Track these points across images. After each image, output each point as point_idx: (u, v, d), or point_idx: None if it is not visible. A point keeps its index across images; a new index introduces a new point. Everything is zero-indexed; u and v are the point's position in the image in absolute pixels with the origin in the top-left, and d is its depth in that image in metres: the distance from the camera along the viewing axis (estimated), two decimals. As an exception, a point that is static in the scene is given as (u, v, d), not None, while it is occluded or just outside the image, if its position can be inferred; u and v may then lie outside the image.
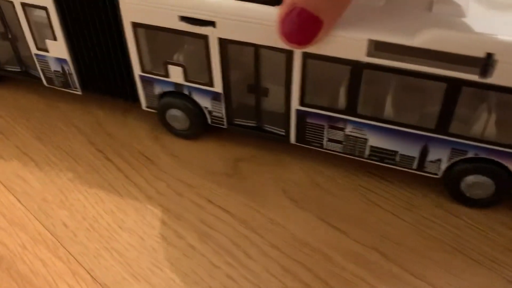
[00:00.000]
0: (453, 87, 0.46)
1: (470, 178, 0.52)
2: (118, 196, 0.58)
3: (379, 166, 0.57)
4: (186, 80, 0.58)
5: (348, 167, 0.60)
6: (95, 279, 0.50)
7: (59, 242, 0.53)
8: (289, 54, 0.50)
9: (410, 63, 0.46)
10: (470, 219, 0.54)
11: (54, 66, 0.66)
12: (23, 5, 0.61)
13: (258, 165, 0.61)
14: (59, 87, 0.68)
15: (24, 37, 0.65)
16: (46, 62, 0.66)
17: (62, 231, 0.54)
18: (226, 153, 0.63)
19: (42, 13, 0.60)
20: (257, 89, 0.56)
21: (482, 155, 0.50)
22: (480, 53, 0.43)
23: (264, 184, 0.59)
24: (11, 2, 0.61)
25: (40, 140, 0.66)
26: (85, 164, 0.62)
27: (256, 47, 0.52)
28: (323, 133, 0.55)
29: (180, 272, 0.50)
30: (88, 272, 0.50)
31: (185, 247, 0.52)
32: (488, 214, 0.54)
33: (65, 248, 0.53)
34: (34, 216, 0.56)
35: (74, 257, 0.52)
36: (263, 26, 0.49)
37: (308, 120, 0.55)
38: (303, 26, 0.45)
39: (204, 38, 0.53)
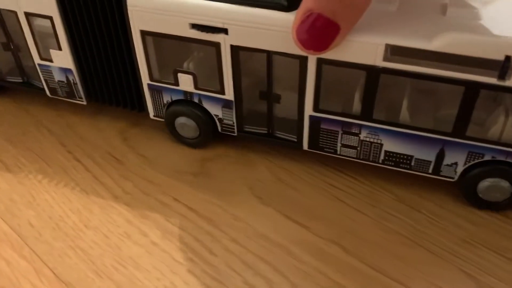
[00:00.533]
0: (472, 90, 0.46)
1: (487, 181, 0.52)
2: (85, 196, 0.58)
3: (344, 163, 0.58)
4: (196, 88, 0.58)
5: (313, 164, 0.61)
6: (58, 277, 0.50)
7: (24, 241, 0.54)
8: (303, 60, 0.50)
9: (427, 67, 0.46)
10: (430, 213, 0.55)
11: (58, 76, 0.65)
12: (27, 14, 0.60)
13: (225, 164, 0.62)
14: (63, 97, 0.67)
15: (27, 47, 0.64)
16: (49, 72, 0.65)
17: (27, 231, 0.55)
18: (194, 153, 0.63)
19: (47, 22, 0.60)
20: (269, 96, 0.55)
21: (500, 157, 0.50)
22: (499, 56, 0.43)
23: (230, 182, 0.59)
24: (14, 12, 0.60)
25: (10, 142, 0.66)
26: (54, 165, 0.63)
27: (269, 54, 0.51)
28: (337, 139, 0.55)
29: (143, 268, 0.50)
30: (52, 271, 0.51)
31: (148, 245, 0.53)
32: (448, 208, 0.55)
33: (30, 248, 0.53)
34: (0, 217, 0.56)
35: (38, 256, 0.52)
36: (276, 32, 0.49)
37: (322, 126, 0.55)
38: (320, 32, 0.44)
39: (216, 45, 0.52)
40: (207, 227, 0.54)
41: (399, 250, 0.51)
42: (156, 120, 0.64)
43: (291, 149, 0.60)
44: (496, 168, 0.50)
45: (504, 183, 0.51)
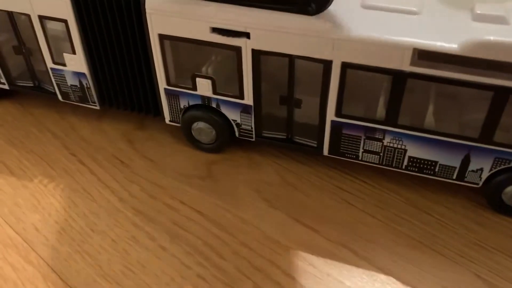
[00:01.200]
0: (500, 96, 0.45)
1: None
2: (91, 200, 0.58)
3: (352, 166, 0.58)
4: (215, 93, 0.57)
5: (321, 167, 0.60)
6: (65, 282, 0.50)
7: (30, 246, 0.53)
8: (327, 65, 0.49)
9: (455, 71, 0.45)
10: (441, 216, 0.54)
11: (71, 81, 0.64)
12: (41, 17, 0.59)
13: (231, 167, 0.61)
14: (75, 102, 0.66)
15: (39, 51, 0.62)
16: (62, 77, 0.64)
17: (33, 235, 0.54)
18: (200, 156, 0.63)
19: (61, 26, 0.58)
20: (290, 101, 0.54)
21: None
22: None
23: (237, 186, 0.59)
24: (28, 15, 0.59)
25: (13, 145, 0.65)
26: (58, 168, 0.62)
27: (291, 58, 0.51)
28: (359, 144, 0.54)
29: (151, 273, 0.50)
30: (58, 276, 0.50)
31: (156, 249, 0.52)
32: (459, 211, 0.55)
33: (36, 252, 0.52)
34: (4, 221, 0.55)
35: (45, 261, 0.51)
36: (300, 37, 0.48)
37: (344, 131, 0.54)
38: None
39: (237, 49, 0.51)
40: (216, 231, 0.53)
41: (411, 254, 0.51)
42: (160, 123, 0.64)
43: (296, 151, 0.60)
44: None
45: None
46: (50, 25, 0.60)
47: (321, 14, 0.48)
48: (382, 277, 0.49)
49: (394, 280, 0.48)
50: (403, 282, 0.48)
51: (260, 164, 0.61)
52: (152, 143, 0.65)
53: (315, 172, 0.60)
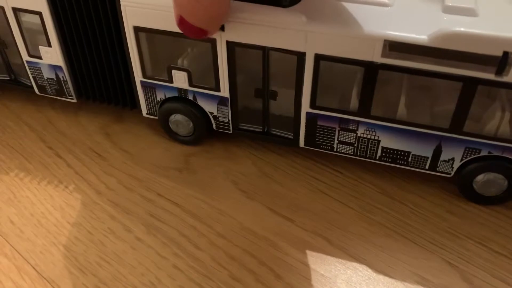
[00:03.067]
0: (469, 86, 0.46)
1: (483, 176, 0.52)
2: (68, 192, 0.57)
3: (328, 157, 0.59)
4: (191, 85, 0.57)
5: (296, 158, 0.61)
6: (41, 274, 0.49)
7: (4, 239, 0.53)
8: (301, 57, 0.49)
9: (426, 63, 0.46)
10: (413, 205, 0.55)
11: (47, 74, 0.63)
12: (15, 10, 0.58)
13: (208, 159, 0.61)
14: (52, 95, 0.66)
15: (15, 44, 0.62)
16: (38, 70, 0.63)
17: (8, 228, 0.54)
18: (177, 148, 0.63)
19: (36, 18, 0.58)
20: (265, 93, 0.55)
21: (496, 153, 0.50)
22: (497, 52, 0.43)
23: (214, 177, 0.59)
24: (1, 7, 0.59)
25: (-11, 139, 0.65)
26: (35, 161, 0.62)
27: (265, 50, 0.51)
28: (334, 136, 0.55)
29: (127, 264, 0.50)
30: (34, 268, 0.50)
31: (132, 240, 0.52)
32: (431, 200, 0.56)
33: (11, 245, 0.52)
34: (-21, 214, 0.55)
35: (20, 254, 0.51)
36: (273, 29, 0.49)
37: (319, 123, 0.54)
38: (190, 32, 0.47)
39: (212, 41, 0.52)
40: (192, 222, 0.54)
41: (383, 242, 0.51)
42: (138, 115, 0.64)
43: (271, 144, 0.60)
44: (492, 163, 0.51)
45: (500, 178, 0.52)
46: (25, 17, 0.59)
47: (295, 6, 0.48)
48: (356, 265, 0.49)
49: (367, 267, 0.49)
50: (376, 269, 0.49)
51: (237, 156, 0.62)
52: (130, 136, 0.65)
53: (292, 163, 0.60)
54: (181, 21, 0.46)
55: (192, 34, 0.47)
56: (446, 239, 0.52)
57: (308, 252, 0.50)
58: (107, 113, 0.68)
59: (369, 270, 0.49)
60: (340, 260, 0.50)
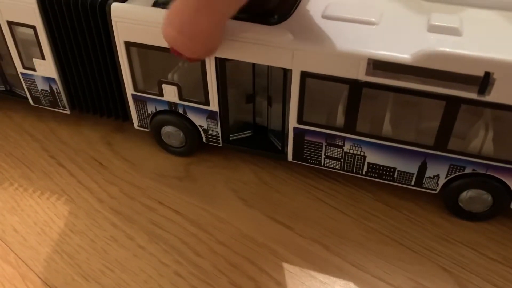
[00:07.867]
0: (453, 105, 0.47)
1: (468, 193, 0.53)
2: (70, 201, 0.58)
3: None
4: (181, 99, 0.58)
5: (295, 167, 0.62)
6: (45, 282, 0.50)
7: (8, 247, 0.54)
8: (287, 73, 0.51)
9: (409, 81, 0.46)
10: (409, 212, 0.57)
11: (41, 85, 0.65)
12: (10, 23, 0.59)
13: (208, 168, 0.63)
14: (46, 106, 0.67)
15: (9, 55, 0.63)
16: (33, 81, 0.65)
17: (12, 237, 0.55)
18: (177, 157, 0.64)
19: (30, 31, 0.59)
20: (254, 108, 0.56)
21: (480, 170, 0.51)
22: (479, 72, 0.44)
23: (214, 186, 0.60)
24: None
25: (-9, 148, 0.66)
26: (37, 170, 0.63)
27: (254, 66, 0.52)
28: (321, 151, 0.56)
29: (130, 271, 0.51)
30: (38, 276, 0.51)
31: (135, 248, 0.53)
32: (426, 208, 0.57)
33: (15, 253, 0.53)
34: (-17, 223, 0.56)
35: (24, 262, 0.52)
36: (260, 46, 0.49)
37: (306, 138, 0.55)
38: (184, 59, 0.49)
39: None
40: (193, 230, 0.55)
41: (380, 248, 0.53)
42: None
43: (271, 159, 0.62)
44: (477, 181, 0.52)
45: (485, 195, 0.52)
46: (20, 30, 0.61)
47: (282, 24, 0.50)
48: (353, 271, 0.51)
49: (364, 273, 0.50)
50: (373, 275, 0.50)
51: (237, 164, 0.63)
52: (131, 145, 0.66)
53: (290, 172, 0.62)
54: (176, 53, 0.48)
55: (186, 59, 0.49)
56: (441, 245, 0.53)
57: (307, 259, 0.52)
58: (108, 122, 0.69)
59: (367, 275, 0.50)
60: (339, 266, 0.51)
